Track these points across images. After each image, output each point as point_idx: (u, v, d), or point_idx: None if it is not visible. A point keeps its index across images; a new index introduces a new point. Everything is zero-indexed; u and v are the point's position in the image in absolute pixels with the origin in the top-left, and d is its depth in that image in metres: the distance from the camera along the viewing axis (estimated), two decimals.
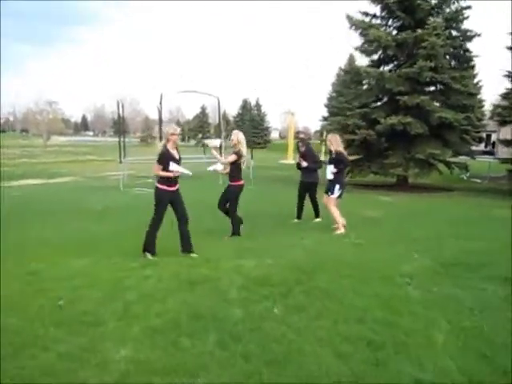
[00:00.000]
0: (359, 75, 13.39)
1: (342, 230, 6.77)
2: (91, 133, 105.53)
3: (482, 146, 32.00)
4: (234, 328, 3.30)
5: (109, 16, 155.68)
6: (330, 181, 6.86)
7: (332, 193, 6.83)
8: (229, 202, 6.41)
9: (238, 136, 6.34)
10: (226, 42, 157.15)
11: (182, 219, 5.49)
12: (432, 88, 13.88)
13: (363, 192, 12.69)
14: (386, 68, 13.94)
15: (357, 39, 13.90)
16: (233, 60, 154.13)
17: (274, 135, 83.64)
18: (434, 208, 9.75)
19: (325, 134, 40.29)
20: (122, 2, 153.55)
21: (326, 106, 57.65)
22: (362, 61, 14.88)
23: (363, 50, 13.79)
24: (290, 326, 3.34)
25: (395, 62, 13.99)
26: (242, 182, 6.39)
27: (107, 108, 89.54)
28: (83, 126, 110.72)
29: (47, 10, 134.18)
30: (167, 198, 5.31)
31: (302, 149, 7.73)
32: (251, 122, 38.33)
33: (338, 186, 6.80)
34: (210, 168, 6.70)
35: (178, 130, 5.52)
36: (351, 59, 52.91)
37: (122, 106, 15.21)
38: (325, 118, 58.39)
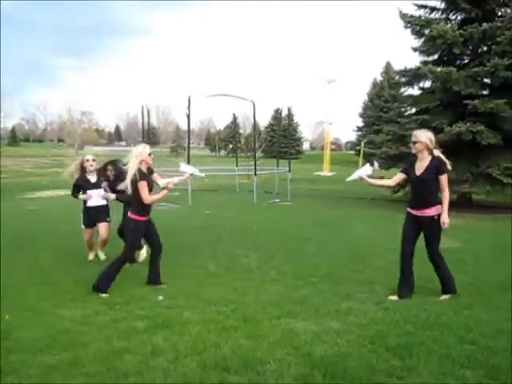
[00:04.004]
0: (420, 76, 11.56)
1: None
2: (124, 143, 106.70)
3: None
4: None
5: (141, 26, 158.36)
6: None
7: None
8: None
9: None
10: (258, 50, 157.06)
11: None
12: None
13: None
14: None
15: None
16: (264, 67, 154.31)
17: (305, 146, 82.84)
18: None
19: (362, 145, 38.31)
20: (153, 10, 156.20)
21: (361, 115, 55.56)
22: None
23: (423, 50, 11.98)
24: None
25: (457, 62, 12.09)
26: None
27: (139, 118, 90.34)
28: (117, 135, 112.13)
29: (79, 24, 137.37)
30: None
31: (112, 172, 5.74)
32: (284, 131, 37.10)
33: None
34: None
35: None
36: (388, 66, 51.29)
37: (148, 112, 13.97)
38: (359, 128, 56.23)
